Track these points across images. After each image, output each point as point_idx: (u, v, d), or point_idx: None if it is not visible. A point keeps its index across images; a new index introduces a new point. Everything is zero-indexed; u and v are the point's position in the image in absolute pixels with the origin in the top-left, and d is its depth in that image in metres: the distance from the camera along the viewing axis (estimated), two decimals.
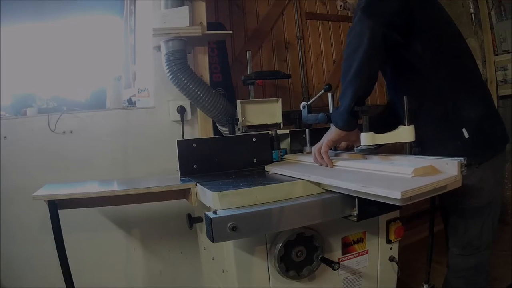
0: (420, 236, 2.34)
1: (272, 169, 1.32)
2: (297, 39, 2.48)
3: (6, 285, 1.55)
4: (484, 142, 1.11)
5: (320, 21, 2.58)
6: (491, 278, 1.34)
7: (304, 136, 1.52)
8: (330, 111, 1.29)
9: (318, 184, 1.04)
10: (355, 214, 0.97)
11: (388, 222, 1.24)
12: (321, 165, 1.18)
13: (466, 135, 1.09)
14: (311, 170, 1.12)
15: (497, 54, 2.73)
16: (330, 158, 1.17)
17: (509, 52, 2.66)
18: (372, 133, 1.08)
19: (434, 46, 1.11)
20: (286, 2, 2.44)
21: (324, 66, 2.58)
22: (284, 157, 1.48)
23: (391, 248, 1.27)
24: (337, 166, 1.15)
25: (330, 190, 1.02)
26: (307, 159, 1.31)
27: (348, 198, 0.97)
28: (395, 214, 1.25)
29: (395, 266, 1.29)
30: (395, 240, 1.25)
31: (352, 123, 1.10)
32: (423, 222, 2.23)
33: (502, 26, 2.69)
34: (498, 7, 2.72)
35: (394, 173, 0.95)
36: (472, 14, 2.74)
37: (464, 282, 1.25)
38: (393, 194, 0.76)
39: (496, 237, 1.23)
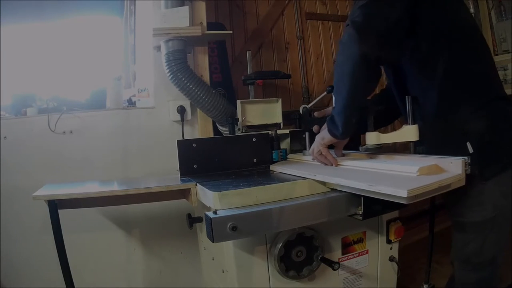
0: (420, 236, 2.34)
1: (277, 168, 1.31)
2: (297, 39, 2.48)
3: (6, 285, 1.54)
4: (490, 157, 1.01)
5: (320, 21, 2.58)
6: None
7: (304, 136, 1.52)
8: None
9: (324, 183, 1.04)
10: (360, 213, 0.98)
11: (388, 222, 1.24)
12: (325, 164, 1.17)
13: (471, 150, 0.99)
14: (316, 169, 1.12)
15: (497, 54, 2.73)
16: (335, 157, 1.16)
17: (509, 52, 2.66)
18: (377, 132, 1.09)
19: (441, 52, 1.02)
20: (286, 2, 2.44)
21: (324, 66, 2.58)
22: (288, 156, 1.48)
23: (391, 248, 1.27)
24: (342, 165, 1.14)
25: (336, 189, 1.02)
26: (311, 158, 1.31)
27: (353, 197, 0.98)
28: (395, 214, 1.26)
29: (395, 266, 1.29)
30: (395, 240, 1.25)
31: (349, 134, 1.08)
32: (423, 222, 2.23)
33: (502, 26, 2.70)
34: (498, 7, 2.73)
35: (400, 172, 0.95)
36: (472, 14, 2.74)
37: None
38: (400, 192, 0.77)
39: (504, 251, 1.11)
